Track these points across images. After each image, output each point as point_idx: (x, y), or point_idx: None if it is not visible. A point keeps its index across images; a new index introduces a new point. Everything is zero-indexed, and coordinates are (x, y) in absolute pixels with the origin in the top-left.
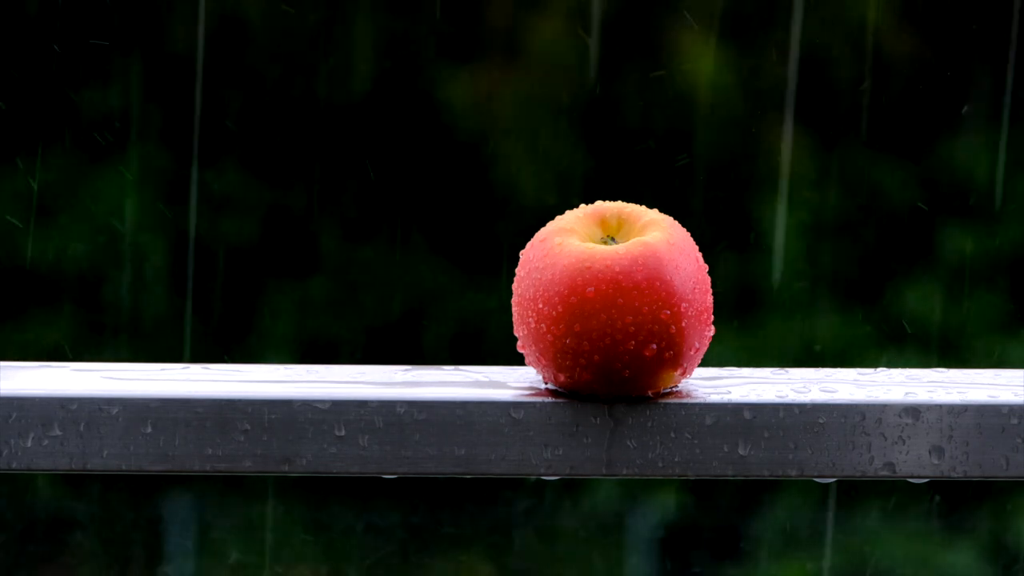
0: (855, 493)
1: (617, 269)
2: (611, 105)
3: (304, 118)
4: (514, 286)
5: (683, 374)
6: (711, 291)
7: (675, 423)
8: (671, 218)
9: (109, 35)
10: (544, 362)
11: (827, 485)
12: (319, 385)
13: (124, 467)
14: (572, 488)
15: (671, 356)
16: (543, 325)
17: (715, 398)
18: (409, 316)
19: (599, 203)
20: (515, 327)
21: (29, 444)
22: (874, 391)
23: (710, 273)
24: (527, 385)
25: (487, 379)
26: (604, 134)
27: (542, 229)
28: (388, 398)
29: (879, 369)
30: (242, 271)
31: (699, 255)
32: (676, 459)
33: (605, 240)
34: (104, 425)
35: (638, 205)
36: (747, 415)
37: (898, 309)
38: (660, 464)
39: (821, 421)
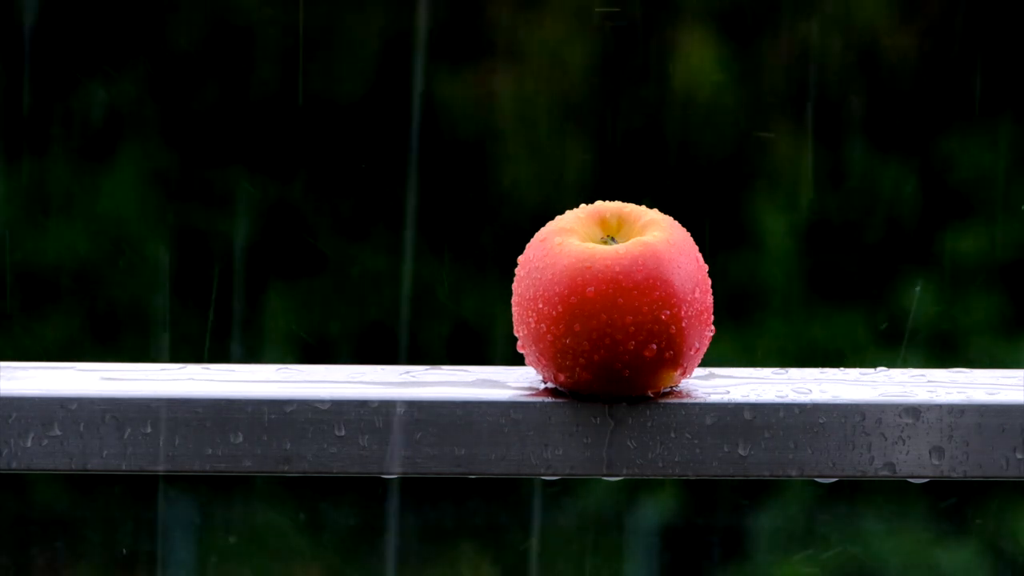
0: (854, 493)
1: (617, 269)
2: (611, 105)
3: (304, 117)
4: (514, 286)
5: (683, 374)
6: (711, 291)
7: (675, 423)
8: (671, 218)
9: (109, 33)
10: (544, 362)
11: (827, 485)
12: (319, 385)
13: (124, 467)
14: (571, 488)
15: (671, 356)
16: (543, 325)
17: (715, 398)
18: (408, 316)
19: (599, 203)
20: (515, 327)
21: (29, 444)
22: (874, 391)
23: (710, 273)
24: (527, 385)
25: (487, 379)
26: (604, 134)
27: (542, 229)
28: (388, 398)
29: (879, 369)
30: (242, 271)
31: (699, 255)
32: (676, 459)
33: (605, 240)
34: (104, 425)
35: (638, 205)
36: (747, 415)
37: (898, 309)
38: (660, 464)
39: (821, 421)
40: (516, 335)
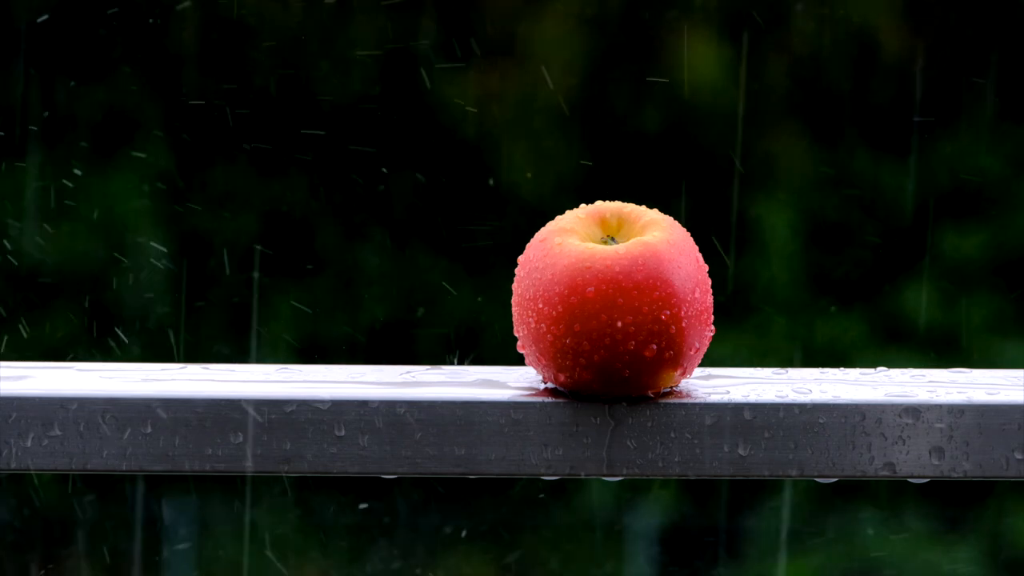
0: (854, 493)
1: (617, 269)
2: (611, 105)
3: (305, 118)
4: (514, 286)
5: (683, 374)
6: (711, 291)
7: (675, 423)
8: (671, 218)
9: (110, 34)
10: (544, 362)
11: (826, 485)
12: (319, 385)
13: (124, 467)
14: (571, 487)
15: (671, 356)
16: (543, 325)
17: (715, 398)
18: (408, 316)
19: (599, 203)
20: (515, 327)
21: (29, 444)
22: (874, 391)
23: (710, 273)
24: (527, 385)
25: (487, 379)
26: (604, 134)
27: (542, 229)
28: (388, 398)
29: (879, 369)
30: (242, 270)
31: (699, 255)
32: (676, 459)
33: (605, 240)
34: (104, 425)
35: (638, 205)
36: (747, 415)
37: (897, 309)
38: (660, 464)
39: (821, 421)
40: (516, 335)
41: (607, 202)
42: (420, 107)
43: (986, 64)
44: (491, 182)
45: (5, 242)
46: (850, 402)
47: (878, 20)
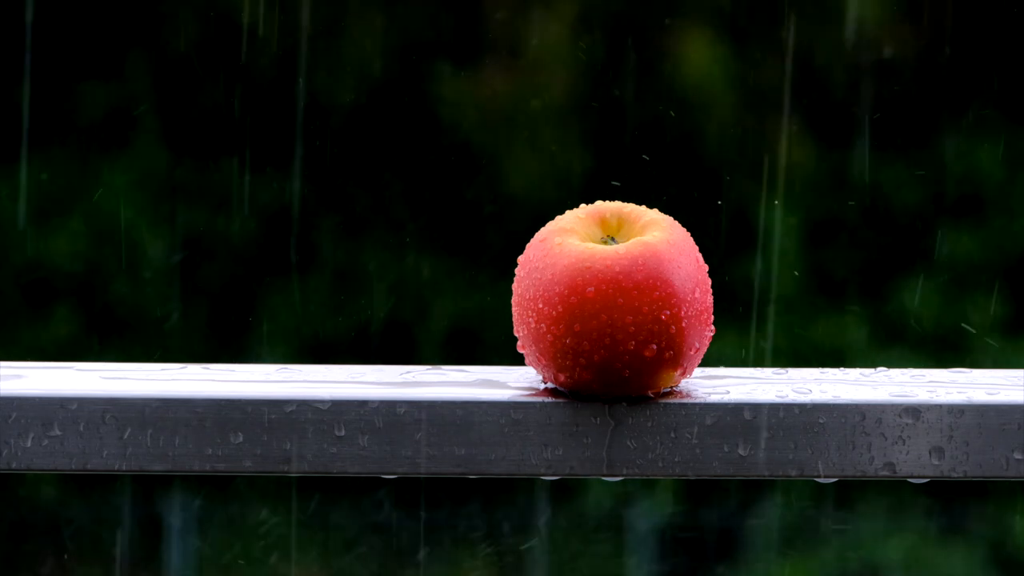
0: (854, 493)
1: (617, 269)
2: (611, 105)
3: (304, 117)
4: (514, 286)
5: (683, 374)
6: (711, 291)
7: (675, 423)
8: (671, 218)
9: (109, 33)
10: (544, 362)
11: (826, 485)
12: (319, 385)
13: (124, 467)
14: (571, 488)
15: (671, 356)
16: (543, 325)
17: (715, 398)
18: (408, 315)
19: (599, 203)
20: (515, 327)
21: (29, 444)
22: (874, 391)
23: (710, 273)
24: (527, 385)
25: (487, 379)
26: (604, 134)
27: (542, 229)
28: (388, 398)
29: (879, 369)
30: (241, 270)
31: (699, 255)
32: (676, 459)
33: (605, 240)
34: (104, 425)
35: (638, 205)
36: (747, 415)
37: (898, 309)
38: (660, 464)
39: (821, 421)
40: (516, 335)
41: (607, 202)
42: (420, 106)
43: (987, 64)
44: (491, 182)
45: (4, 241)
46: (850, 402)
47: (879, 19)
